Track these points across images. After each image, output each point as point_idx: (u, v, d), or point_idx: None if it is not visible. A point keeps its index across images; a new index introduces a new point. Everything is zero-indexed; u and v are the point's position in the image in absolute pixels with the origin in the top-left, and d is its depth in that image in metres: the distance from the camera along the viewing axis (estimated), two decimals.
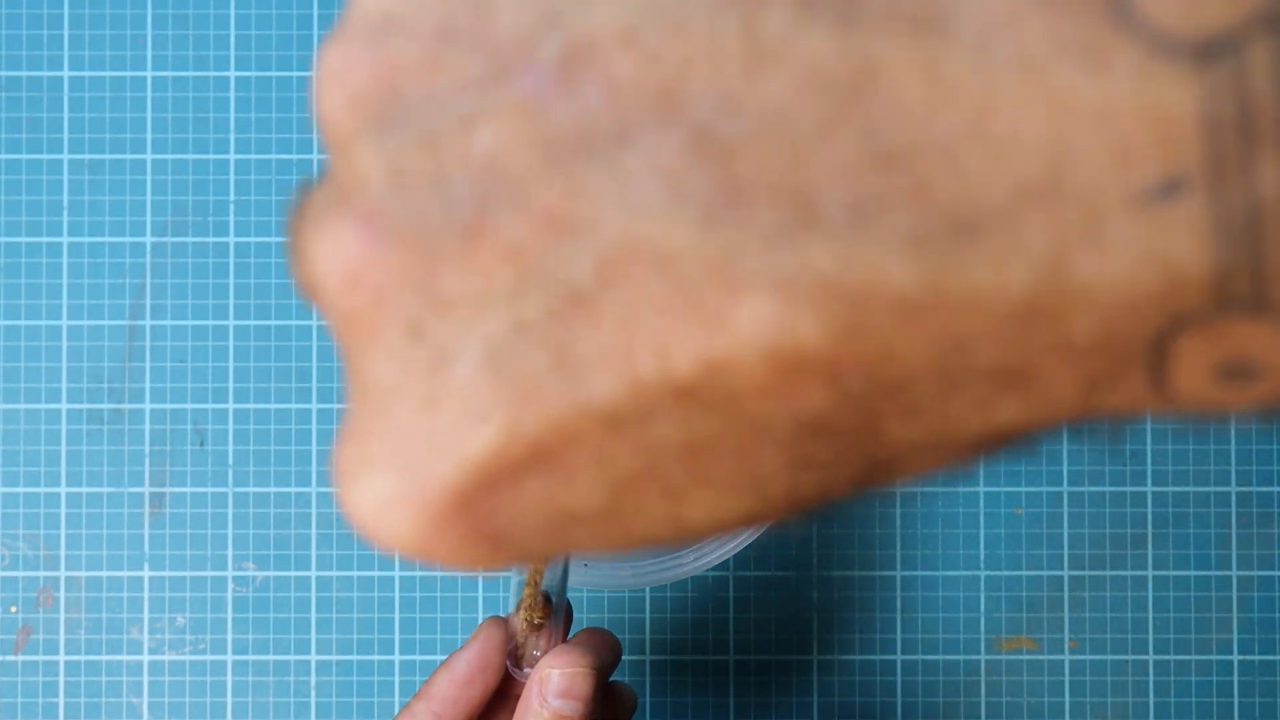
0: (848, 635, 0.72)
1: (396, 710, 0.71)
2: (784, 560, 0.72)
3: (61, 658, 0.71)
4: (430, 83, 0.22)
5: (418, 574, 0.71)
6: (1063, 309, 0.19)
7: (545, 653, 0.53)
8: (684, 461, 0.22)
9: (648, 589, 0.71)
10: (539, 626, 0.52)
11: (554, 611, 0.53)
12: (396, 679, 0.71)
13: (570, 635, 0.56)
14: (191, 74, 0.72)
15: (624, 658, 0.71)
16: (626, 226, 0.20)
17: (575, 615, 0.72)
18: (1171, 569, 0.71)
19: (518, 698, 0.54)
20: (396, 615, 0.71)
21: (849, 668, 0.71)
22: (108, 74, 0.72)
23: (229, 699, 0.71)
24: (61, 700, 0.71)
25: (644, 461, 0.22)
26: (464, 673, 0.53)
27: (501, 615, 0.55)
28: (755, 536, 0.66)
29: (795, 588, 0.72)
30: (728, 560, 0.71)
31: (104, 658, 0.71)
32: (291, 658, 0.71)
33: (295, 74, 0.72)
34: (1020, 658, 0.71)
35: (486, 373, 0.21)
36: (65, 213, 0.72)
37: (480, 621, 0.56)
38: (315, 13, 0.72)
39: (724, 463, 0.22)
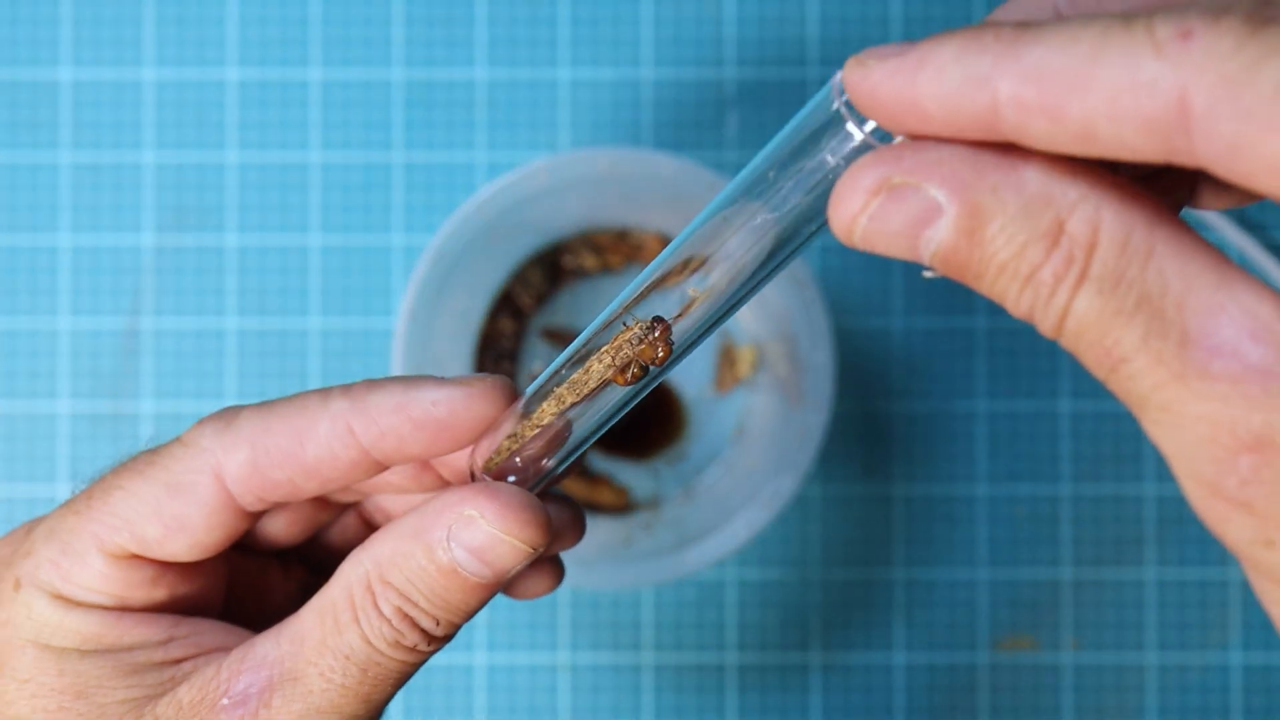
0: (848, 635, 0.72)
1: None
2: (784, 560, 0.72)
3: None
4: None
5: None
6: None
7: (504, 472, 0.40)
8: None
9: (648, 589, 0.71)
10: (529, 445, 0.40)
11: (561, 444, 0.40)
12: None
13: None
14: (191, 74, 0.72)
15: (624, 658, 0.71)
16: None
17: (574, 612, 0.71)
18: (1172, 569, 0.71)
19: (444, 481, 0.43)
20: None
21: (849, 668, 0.71)
22: (108, 74, 0.72)
23: None
24: None
25: None
26: (419, 413, 0.40)
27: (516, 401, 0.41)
28: (754, 536, 0.66)
29: (795, 588, 0.72)
30: (728, 560, 0.71)
31: None
32: None
33: (295, 74, 0.72)
34: (1020, 658, 0.71)
35: None
36: (65, 213, 0.72)
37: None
38: (315, 13, 0.72)
39: None
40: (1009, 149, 0.30)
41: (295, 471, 0.40)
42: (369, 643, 0.39)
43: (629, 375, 0.38)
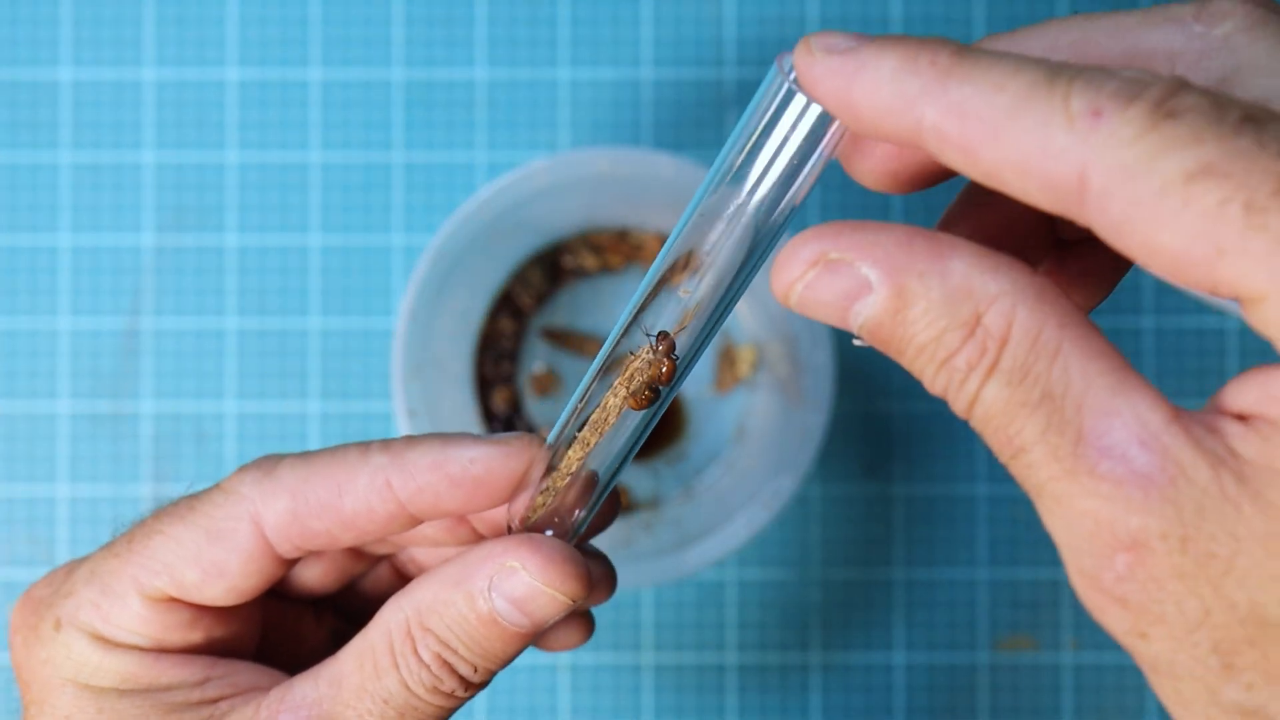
0: (848, 635, 0.72)
1: None
2: (784, 560, 0.72)
3: None
4: None
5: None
6: None
7: (541, 525, 0.41)
8: None
9: (648, 589, 0.71)
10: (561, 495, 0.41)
11: (591, 492, 0.41)
12: None
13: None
14: (191, 74, 0.72)
15: (624, 658, 0.71)
16: None
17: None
18: None
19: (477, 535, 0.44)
20: None
21: (849, 668, 0.71)
22: (108, 74, 0.72)
23: None
24: None
25: None
26: (456, 471, 0.41)
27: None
28: (754, 536, 0.66)
29: (795, 588, 0.72)
30: (728, 560, 0.71)
31: None
32: None
33: (295, 74, 0.72)
34: (1020, 658, 0.71)
35: None
36: (65, 213, 0.72)
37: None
38: (315, 13, 0.72)
39: None
40: (941, 238, 0.32)
41: (333, 522, 0.41)
42: (407, 688, 0.40)
43: (641, 399, 0.39)
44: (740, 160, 0.35)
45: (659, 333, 0.38)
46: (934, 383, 0.32)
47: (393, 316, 0.71)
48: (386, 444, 0.41)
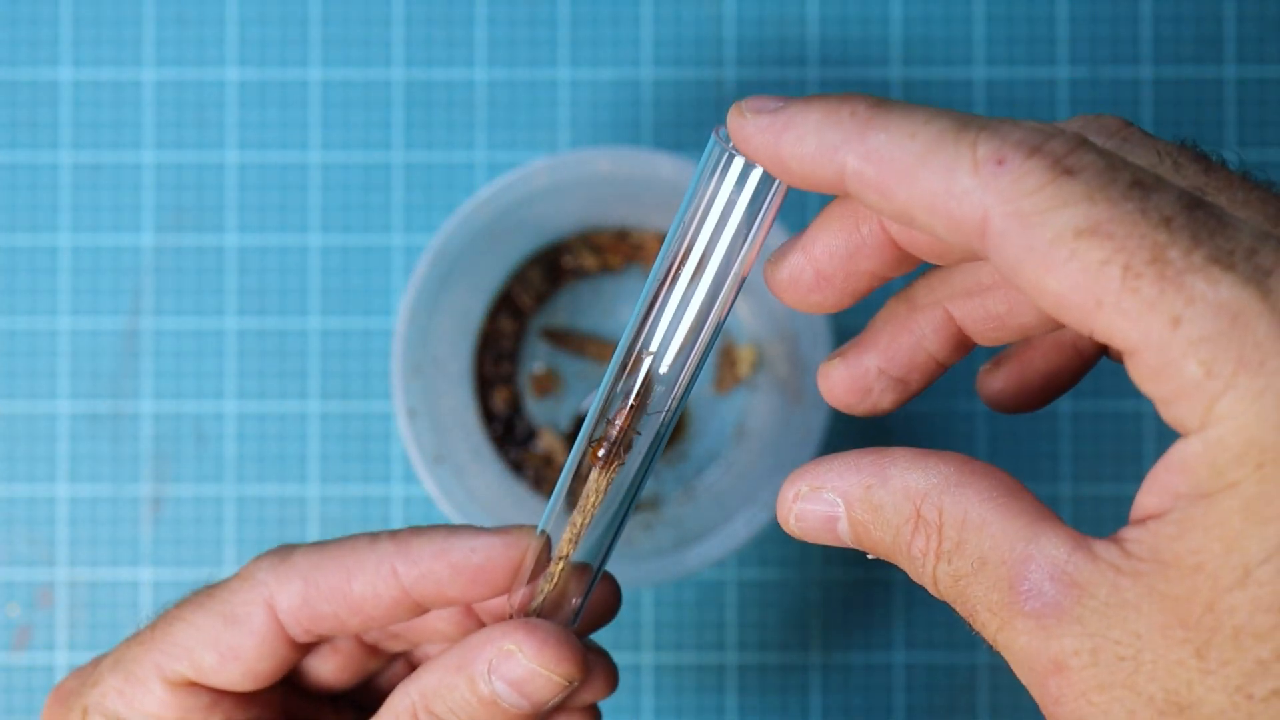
0: (848, 635, 0.72)
1: None
2: (784, 560, 0.72)
3: (61, 658, 0.71)
4: None
5: None
6: None
7: (540, 609, 0.43)
8: None
9: (648, 589, 0.71)
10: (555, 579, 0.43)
11: (585, 578, 0.43)
12: None
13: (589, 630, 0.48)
14: (191, 74, 0.72)
15: (624, 658, 0.71)
16: None
17: None
18: None
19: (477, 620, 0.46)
20: None
21: (849, 667, 0.71)
22: (108, 74, 0.72)
23: None
24: None
25: None
26: (458, 559, 0.43)
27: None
28: (754, 536, 0.66)
29: (795, 588, 0.72)
30: (728, 560, 0.71)
31: None
32: None
33: (295, 74, 0.72)
34: None
35: None
36: (65, 213, 0.72)
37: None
38: (315, 13, 0.72)
39: None
40: (882, 453, 0.36)
41: (342, 606, 0.44)
42: None
43: (615, 457, 0.41)
44: (693, 226, 0.39)
45: (607, 419, 0.41)
46: (911, 572, 0.36)
47: (393, 316, 0.71)
48: (394, 534, 0.44)
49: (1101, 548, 0.33)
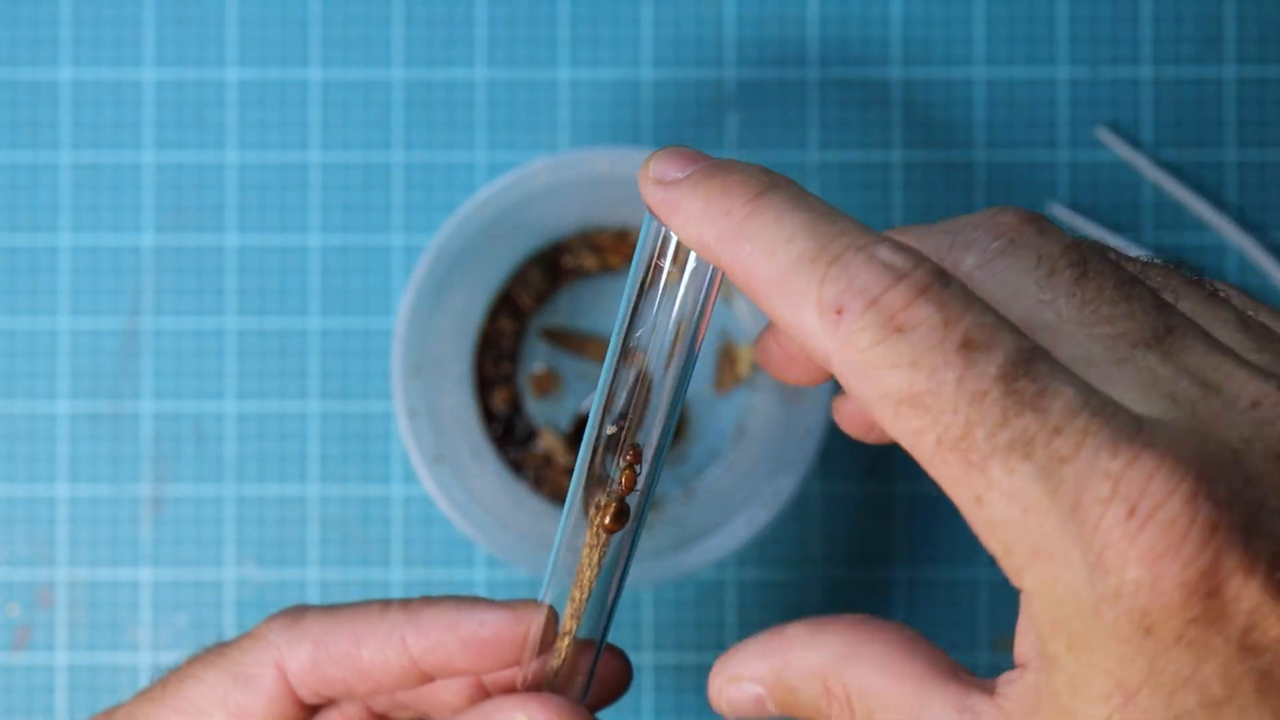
0: None
1: None
2: (784, 560, 0.72)
3: (61, 658, 0.71)
4: None
5: (417, 577, 0.71)
6: None
7: (553, 685, 0.45)
8: None
9: (648, 589, 0.71)
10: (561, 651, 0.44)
11: (589, 652, 0.44)
12: None
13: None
14: (191, 74, 0.72)
15: None
16: None
17: None
18: None
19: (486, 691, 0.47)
20: None
21: None
22: (108, 74, 0.72)
23: None
24: (61, 700, 0.71)
25: None
26: (467, 632, 0.44)
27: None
28: (754, 536, 0.66)
29: (795, 588, 0.72)
30: (728, 560, 0.71)
31: (104, 658, 0.71)
32: None
33: (295, 74, 0.72)
34: None
35: None
36: (65, 213, 0.72)
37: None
38: (315, 13, 0.72)
39: None
40: (785, 636, 0.39)
41: (350, 672, 0.44)
42: None
43: (615, 522, 0.42)
44: (638, 294, 0.40)
45: (595, 501, 0.42)
46: None
47: (393, 316, 0.71)
48: (406, 603, 0.45)
49: (979, 704, 0.35)
